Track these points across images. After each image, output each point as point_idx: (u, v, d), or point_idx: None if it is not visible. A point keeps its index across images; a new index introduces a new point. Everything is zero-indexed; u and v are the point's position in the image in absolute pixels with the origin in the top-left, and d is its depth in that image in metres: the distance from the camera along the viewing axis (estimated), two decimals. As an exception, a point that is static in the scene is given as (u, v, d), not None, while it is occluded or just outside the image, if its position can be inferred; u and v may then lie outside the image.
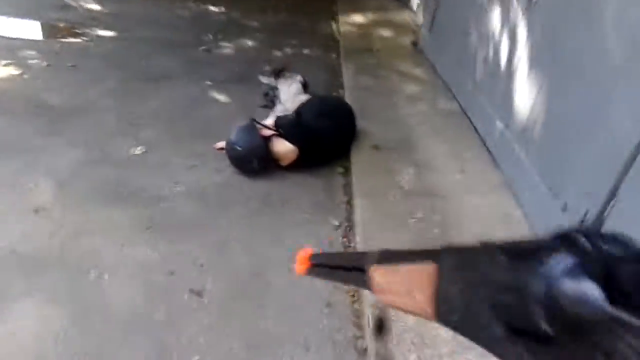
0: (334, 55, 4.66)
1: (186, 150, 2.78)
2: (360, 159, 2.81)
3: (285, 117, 2.73)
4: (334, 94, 3.81)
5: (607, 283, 0.18)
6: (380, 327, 0.54)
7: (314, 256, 0.51)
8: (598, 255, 0.19)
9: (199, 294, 1.85)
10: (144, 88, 3.52)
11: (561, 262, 0.19)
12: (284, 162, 2.61)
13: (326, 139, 2.64)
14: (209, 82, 3.76)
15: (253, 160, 2.50)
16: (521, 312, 0.20)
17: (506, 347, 0.22)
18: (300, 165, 2.62)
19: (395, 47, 4.78)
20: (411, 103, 3.54)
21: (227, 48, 4.59)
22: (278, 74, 3.94)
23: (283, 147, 2.56)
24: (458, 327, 0.26)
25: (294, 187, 2.54)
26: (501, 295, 0.22)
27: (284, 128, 2.57)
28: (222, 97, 3.55)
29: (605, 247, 0.19)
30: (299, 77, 3.58)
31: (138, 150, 2.71)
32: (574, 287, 0.19)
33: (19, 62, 3.67)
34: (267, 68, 4.10)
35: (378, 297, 0.36)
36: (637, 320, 0.17)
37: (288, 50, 4.68)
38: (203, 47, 4.47)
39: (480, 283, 0.24)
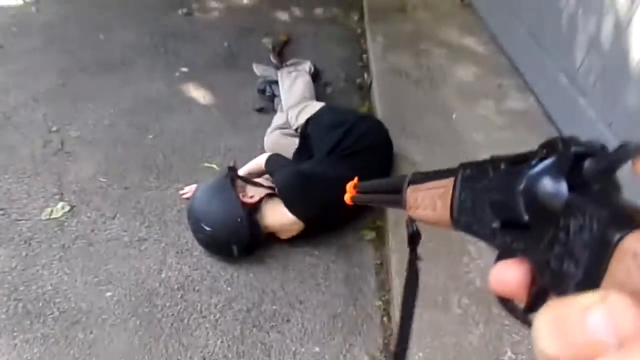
0: (355, 17, 3.50)
1: (132, 205, 1.83)
2: (400, 211, 1.84)
3: (279, 161, 1.72)
4: (359, 81, 2.74)
5: (571, 176, 0.22)
6: (413, 240, 0.55)
7: (359, 185, 0.59)
8: (568, 155, 0.23)
9: None
10: (90, 85, 2.52)
11: (540, 164, 0.24)
12: (283, 236, 1.67)
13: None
14: (184, 69, 2.73)
15: (231, 246, 1.56)
16: (509, 206, 0.25)
17: (499, 237, 0.27)
18: (309, 234, 1.68)
19: (436, 3, 3.58)
20: (468, 101, 2.48)
21: (214, 10, 3.46)
22: (279, 53, 2.88)
23: (279, 219, 1.59)
24: (467, 227, 0.31)
25: (297, 283, 1.60)
26: (498, 195, 0.27)
27: (281, 184, 1.59)
28: (200, 96, 2.53)
29: (574, 148, 0.23)
30: (307, 65, 2.52)
31: (57, 211, 1.78)
32: (545, 182, 0.23)
33: None
34: (267, 42, 3.02)
35: (410, 213, 0.41)
36: (586, 203, 0.20)
37: (296, 11, 3.53)
38: (183, 10, 3.36)
39: (485, 188, 0.29)
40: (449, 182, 0.35)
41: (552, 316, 0.17)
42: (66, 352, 1.34)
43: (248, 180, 1.63)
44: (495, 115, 2.38)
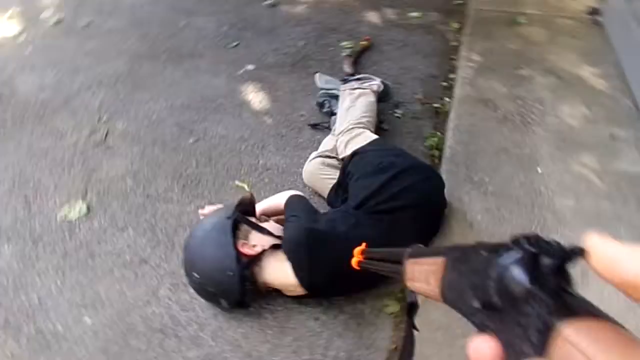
0: (455, 25, 3.06)
1: (146, 218, 1.70)
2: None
3: (300, 206, 1.46)
4: (437, 105, 2.37)
5: (533, 270, 0.26)
6: (411, 309, 0.62)
7: (366, 251, 0.62)
8: (531, 252, 0.26)
9: None
10: (154, 74, 2.46)
11: (509, 256, 0.27)
12: (287, 294, 1.43)
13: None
14: (250, 67, 2.56)
15: (219, 300, 1.36)
16: (484, 290, 0.28)
17: (478, 316, 0.30)
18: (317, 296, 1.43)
19: (558, 16, 3.00)
20: (564, 151, 2.00)
21: (301, 3, 3.25)
22: (355, 62, 2.60)
23: (281, 278, 1.35)
24: (453, 304, 0.34)
25: (289, 351, 1.35)
26: (476, 279, 0.30)
27: (287, 240, 1.34)
28: (256, 99, 2.35)
29: (532, 248, 0.27)
30: (376, 83, 2.21)
31: (74, 212, 1.71)
32: (512, 272, 0.27)
33: (25, 14, 2.82)
34: (346, 45, 2.75)
35: (408, 284, 0.45)
36: (540, 293, 0.25)
37: (388, 12, 3.18)
38: (269, 0, 3.20)
39: (468, 271, 0.32)
40: (441, 261, 0.38)
41: None
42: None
43: (255, 225, 1.40)
44: (596, 176, 1.89)
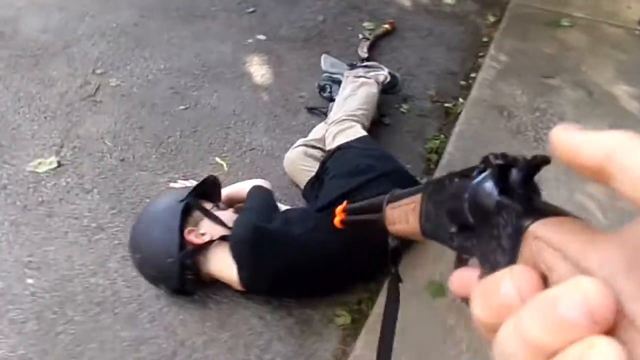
0: (491, 18, 2.83)
1: (115, 184, 1.64)
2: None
3: (259, 199, 1.36)
4: (449, 105, 2.20)
5: (501, 184, 0.27)
6: (394, 255, 0.59)
7: (348, 208, 0.61)
8: (499, 166, 0.27)
9: None
10: (160, 31, 2.37)
11: (480, 175, 0.28)
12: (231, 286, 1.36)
13: (326, 265, 1.28)
14: (260, 37, 2.44)
15: (159, 284, 1.30)
16: (459, 212, 0.29)
17: (456, 240, 0.31)
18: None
19: (606, 23, 2.73)
20: (576, 180, 1.82)
21: (330, -26, 3.05)
22: (373, 45, 2.44)
23: (224, 271, 1.27)
24: (432, 235, 0.36)
25: (225, 348, 1.29)
26: (451, 204, 0.31)
27: (233, 234, 1.25)
28: (259, 72, 2.24)
29: (499, 161, 0.27)
30: (382, 73, 2.05)
31: (44, 165, 1.67)
32: (482, 189, 0.28)
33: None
34: (367, 26, 2.58)
35: (389, 228, 0.46)
36: (509, 203, 0.25)
37: (420, -6, 2.96)
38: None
39: (443, 199, 0.33)
40: (417, 197, 0.39)
41: (479, 290, 0.22)
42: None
43: (208, 213, 1.32)
44: (600, 212, 1.72)
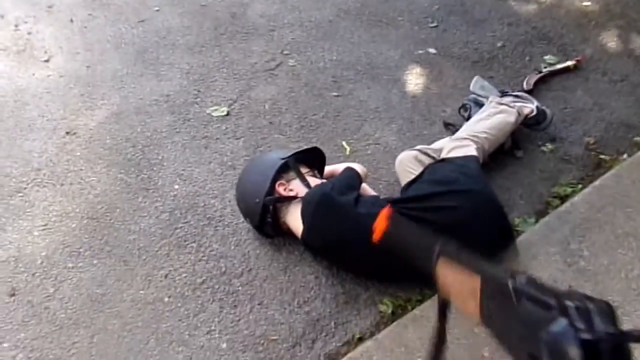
0: None
1: (259, 137, 2.05)
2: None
3: (346, 178, 1.54)
4: (604, 158, 2.00)
5: (587, 349, 0.28)
6: (444, 307, 0.53)
7: (394, 217, 0.58)
8: (588, 329, 0.28)
9: None
10: (345, 30, 2.71)
11: (562, 325, 0.29)
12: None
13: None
14: (432, 50, 2.57)
15: (246, 218, 1.61)
16: (535, 347, 0.30)
17: None
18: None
19: None
20: None
21: (536, 2, 2.96)
22: (541, 80, 2.35)
23: (294, 223, 1.51)
24: (497, 337, 0.36)
25: (270, 281, 1.54)
26: (524, 331, 0.31)
27: (307, 193, 1.47)
28: (414, 81, 2.38)
29: (596, 324, 0.28)
30: (529, 105, 1.98)
31: (218, 112, 2.16)
32: (566, 346, 0.28)
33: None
34: (548, 59, 2.48)
35: (439, 285, 0.45)
36: None
37: (633, 37, 2.64)
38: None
39: (512, 315, 0.33)
40: (476, 281, 0.37)
41: None
42: None
43: (300, 174, 1.58)
44: None
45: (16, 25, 2.68)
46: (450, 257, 0.43)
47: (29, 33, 2.64)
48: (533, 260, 1.58)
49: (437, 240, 0.45)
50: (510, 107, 1.93)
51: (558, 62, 2.46)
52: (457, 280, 0.40)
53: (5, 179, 1.90)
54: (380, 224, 0.57)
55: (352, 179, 1.58)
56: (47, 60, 2.47)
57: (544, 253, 1.58)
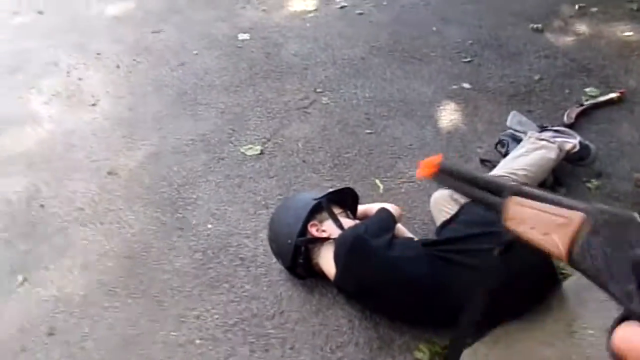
0: None
1: (292, 175, 2.05)
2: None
3: (379, 220, 1.51)
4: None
5: None
6: (507, 250, 0.56)
7: (443, 164, 0.56)
8: None
9: None
10: (378, 67, 2.73)
11: None
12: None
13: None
14: (466, 85, 2.55)
15: (278, 259, 1.59)
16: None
17: (633, 300, 0.29)
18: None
19: None
20: None
21: (574, 34, 2.90)
22: (583, 113, 2.27)
23: (327, 265, 1.48)
24: (588, 273, 0.33)
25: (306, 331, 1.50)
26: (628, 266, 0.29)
27: (340, 236, 1.44)
28: (449, 117, 2.35)
29: None
30: (571, 141, 1.91)
31: (252, 150, 2.19)
32: None
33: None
34: (588, 93, 2.41)
35: (508, 224, 0.42)
36: None
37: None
38: (536, 25, 2.98)
39: (627, 244, 0.30)
40: (574, 216, 0.36)
41: None
42: None
43: (333, 215, 1.55)
44: None
45: (68, 72, 2.86)
46: (526, 194, 0.41)
47: (79, 79, 2.80)
48: (581, 306, 1.48)
49: (502, 183, 0.45)
50: (551, 142, 1.86)
51: (600, 95, 2.39)
52: (539, 215, 0.38)
53: (51, 217, 1.98)
54: (426, 167, 0.57)
55: (385, 221, 1.54)
56: (94, 104, 2.60)
57: (594, 299, 1.48)
